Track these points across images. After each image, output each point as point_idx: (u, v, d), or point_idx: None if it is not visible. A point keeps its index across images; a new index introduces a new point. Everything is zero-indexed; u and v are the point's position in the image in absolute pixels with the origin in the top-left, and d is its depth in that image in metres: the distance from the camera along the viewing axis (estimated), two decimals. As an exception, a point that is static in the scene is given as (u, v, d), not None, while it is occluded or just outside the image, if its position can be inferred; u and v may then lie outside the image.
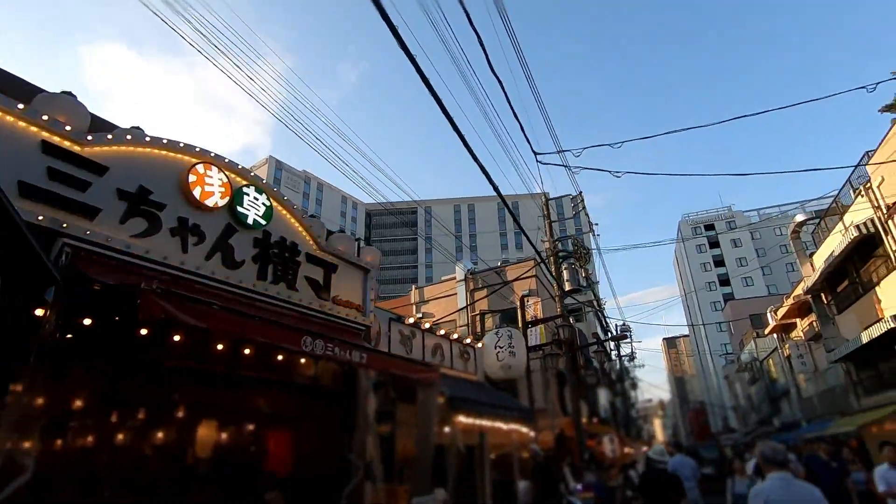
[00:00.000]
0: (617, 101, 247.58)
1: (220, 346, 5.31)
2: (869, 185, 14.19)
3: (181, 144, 5.15)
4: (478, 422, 10.07)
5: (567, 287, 18.10)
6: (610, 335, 19.55)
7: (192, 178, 5.14)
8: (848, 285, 17.13)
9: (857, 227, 14.16)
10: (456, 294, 20.71)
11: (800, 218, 19.52)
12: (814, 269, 19.29)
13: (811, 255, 19.94)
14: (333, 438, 6.43)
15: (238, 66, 7.07)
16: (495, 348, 12.43)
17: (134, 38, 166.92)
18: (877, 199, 13.91)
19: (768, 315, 26.92)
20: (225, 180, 5.48)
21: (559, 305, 17.55)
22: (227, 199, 5.46)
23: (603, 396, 28.68)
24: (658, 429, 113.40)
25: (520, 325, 14.35)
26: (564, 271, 18.62)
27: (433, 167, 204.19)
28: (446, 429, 8.44)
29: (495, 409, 9.69)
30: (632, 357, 40.86)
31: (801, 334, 22.65)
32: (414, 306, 21.57)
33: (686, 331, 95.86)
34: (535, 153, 9.94)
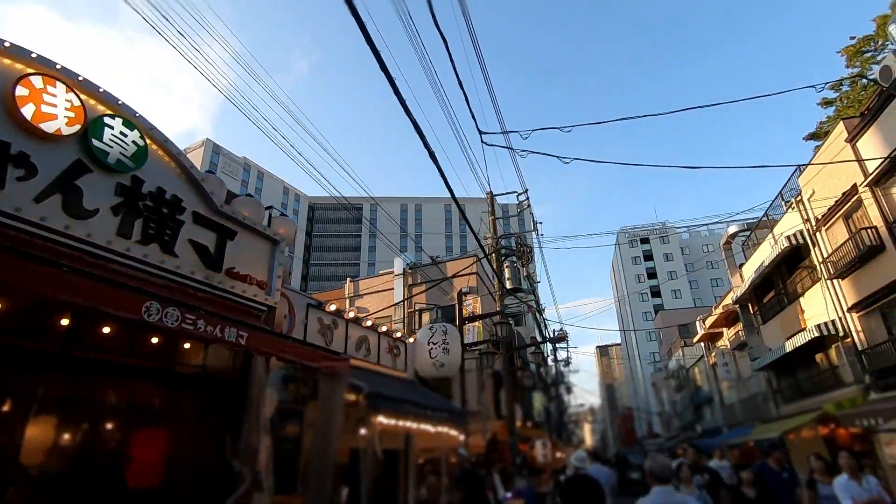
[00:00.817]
0: (568, 97, 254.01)
1: (63, 321, 4.04)
2: (800, 198, 14.58)
3: (7, 45, 3.84)
4: (402, 423, 9.11)
5: (508, 285, 17.56)
6: (548, 337, 19.24)
7: (21, 91, 3.85)
8: (774, 296, 17.68)
9: (788, 237, 14.51)
10: (393, 289, 19.66)
11: (732, 229, 20.11)
12: (742, 280, 19.90)
13: (741, 266, 20.58)
14: (217, 441, 5.25)
15: (182, 37, 5.80)
16: (429, 345, 11.52)
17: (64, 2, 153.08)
18: (806, 212, 14.30)
19: (697, 324, 27.83)
20: (77, 104, 4.21)
21: (499, 304, 16.96)
22: (77, 128, 4.19)
23: (538, 400, 28.52)
24: (588, 434, 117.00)
25: (457, 321, 13.53)
26: (506, 269, 18.06)
27: (382, 166, 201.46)
28: (363, 430, 7.41)
29: (422, 410, 8.75)
30: (567, 362, 41.39)
31: (727, 343, 23.42)
32: (348, 300, 20.29)
33: (618, 339, 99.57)
34: (481, 132, 9.13)
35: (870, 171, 11.13)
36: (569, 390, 38.34)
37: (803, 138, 26.81)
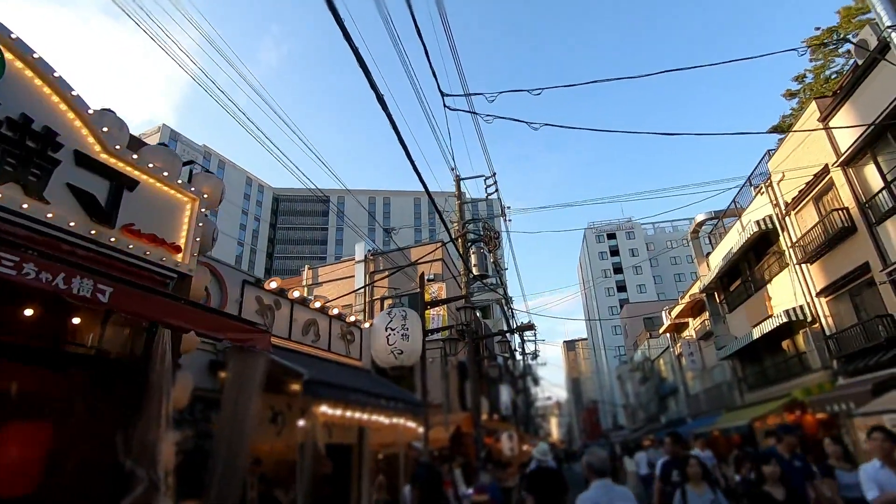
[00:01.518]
0: (538, 63, 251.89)
1: None
2: (769, 182, 14.37)
3: None
4: (351, 414, 8.22)
5: (475, 272, 16.85)
6: (515, 327, 18.59)
7: None
8: (740, 284, 17.57)
9: (757, 222, 14.28)
10: (354, 276, 18.64)
11: (700, 217, 19.98)
12: (709, 269, 19.79)
13: (708, 255, 20.48)
14: (111, 437, 4.24)
15: (146, 14, 4.67)
16: (386, 330, 10.60)
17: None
18: (776, 197, 14.09)
19: (663, 315, 27.87)
20: None
21: (464, 290, 16.22)
22: None
23: (505, 393, 28.02)
24: (554, 427, 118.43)
25: (419, 307, 12.64)
26: (472, 255, 17.35)
27: (351, 161, 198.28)
28: (300, 422, 6.50)
29: (372, 400, 7.87)
30: (535, 355, 41.17)
31: (693, 333, 23.42)
32: (306, 289, 19.14)
33: (585, 334, 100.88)
34: (443, 94, 8.28)
35: (842, 151, 10.87)
36: (536, 382, 38.09)
37: (767, 131, 27.26)
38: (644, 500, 16.30)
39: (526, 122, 7.95)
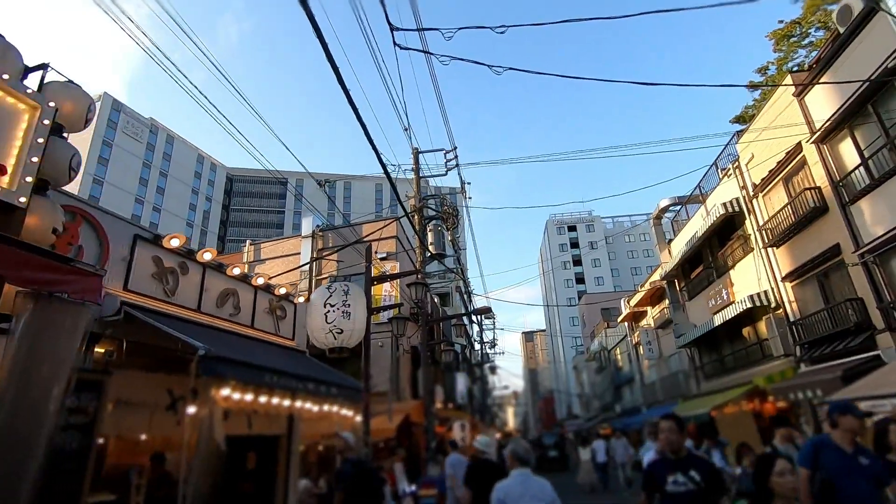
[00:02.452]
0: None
1: None
2: (737, 163, 13.88)
3: None
4: (275, 401, 6.97)
5: (431, 251, 15.74)
6: (472, 310, 17.52)
7: None
8: (702, 270, 17.21)
9: (724, 204, 13.78)
10: (300, 254, 17.16)
11: (664, 203, 19.57)
12: (671, 256, 19.44)
13: (670, 241, 20.13)
14: None
15: None
16: (325, 307, 9.32)
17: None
18: (743, 179, 13.62)
19: (621, 303, 27.68)
20: None
21: (419, 268, 15.11)
22: None
23: (461, 381, 27.18)
24: (511, 417, 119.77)
25: (365, 284, 11.38)
26: (429, 233, 16.23)
27: (313, 144, 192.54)
28: (191, 408, 5.20)
29: (300, 384, 6.62)
30: (493, 343, 40.64)
31: (652, 322, 23.19)
32: (247, 266, 17.50)
33: (544, 325, 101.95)
34: (392, 28, 7.02)
35: (817, 127, 10.33)
36: (493, 370, 37.55)
37: (730, 121, 27.34)
38: (600, 485, 15.91)
39: (487, 66, 6.83)
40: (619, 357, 31.97)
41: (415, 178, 16.05)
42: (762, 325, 13.50)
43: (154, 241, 6.22)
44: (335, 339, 9.30)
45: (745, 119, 25.03)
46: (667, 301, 20.89)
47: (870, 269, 9.25)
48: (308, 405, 7.87)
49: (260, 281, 7.95)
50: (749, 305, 12.74)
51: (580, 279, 78.23)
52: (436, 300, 20.15)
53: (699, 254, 17.26)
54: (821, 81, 10.10)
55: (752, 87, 20.73)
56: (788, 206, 11.43)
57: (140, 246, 6.01)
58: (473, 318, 44.13)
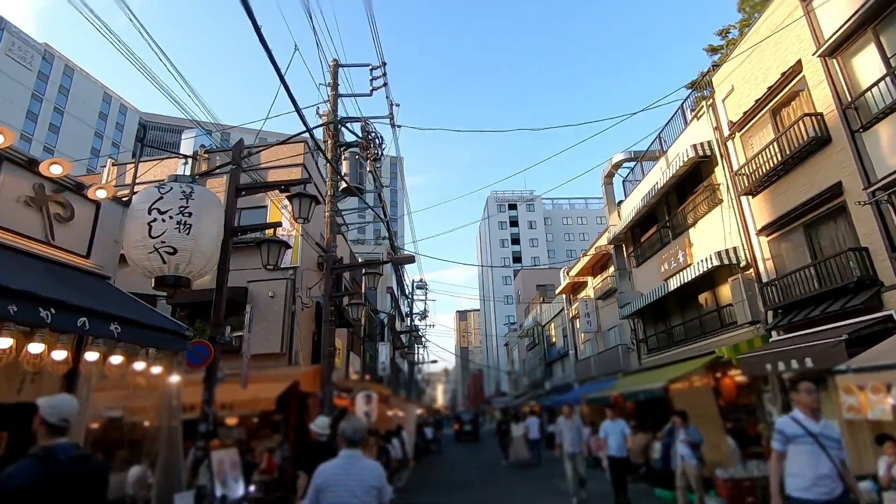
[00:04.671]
0: None
1: None
2: (712, 99, 11.86)
3: None
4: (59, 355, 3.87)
5: (345, 183, 12.75)
6: (394, 256, 14.49)
7: None
8: (655, 232, 15.38)
9: (694, 146, 11.74)
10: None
11: (618, 157, 17.59)
12: (620, 218, 17.58)
13: (620, 203, 18.26)
14: None
15: None
16: (150, 213, 6.09)
17: None
18: (717, 118, 11.62)
19: (561, 274, 25.98)
20: None
21: (328, 207, 12.10)
22: None
23: (383, 350, 24.45)
24: (440, 394, 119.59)
25: (226, 193, 8.12)
26: (344, 162, 13.15)
27: (242, 101, 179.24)
28: None
29: (72, 319, 3.55)
30: (424, 315, 38.22)
31: (592, 293, 21.50)
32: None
33: (478, 304, 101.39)
34: None
35: (825, 38, 8.27)
36: (418, 339, 35.20)
37: (685, 86, 26.06)
38: (534, 462, 15.47)
39: None
40: (552, 332, 30.56)
41: (331, 94, 12.87)
42: (724, 290, 11.72)
43: None
44: (164, 262, 6.11)
45: (700, 86, 23.72)
46: (611, 269, 19.15)
47: (881, 211, 7.36)
48: (113, 359, 4.78)
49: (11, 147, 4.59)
50: (715, 264, 10.84)
51: (517, 258, 77.71)
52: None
53: (653, 214, 15.40)
54: None
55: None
56: (775, 143, 9.44)
57: None
58: (406, 286, 41.46)
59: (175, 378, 5.21)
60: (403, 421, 17.10)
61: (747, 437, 10.28)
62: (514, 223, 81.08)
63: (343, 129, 12.97)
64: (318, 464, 4.70)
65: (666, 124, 14.69)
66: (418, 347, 37.98)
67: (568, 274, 24.02)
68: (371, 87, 13.57)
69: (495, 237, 78.98)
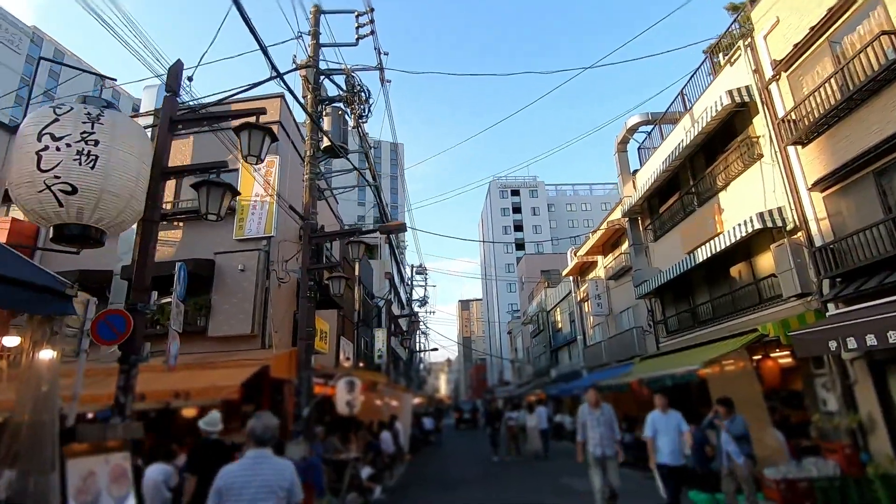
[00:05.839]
0: None
1: None
2: (750, 38, 10.18)
3: None
4: None
5: (326, 142, 11.26)
6: (381, 225, 12.82)
7: None
8: (676, 201, 13.77)
9: (729, 93, 10.09)
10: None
11: (633, 120, 15.90)
12: (635, 189, 15.96)
13: (635, 172, 16.62)
14: None
15: None
16: (39, 141, 4.56)
17: None
18: (757, 60, 9.96)
19: (568, 255, 24.39)
20: None
21: (307, 169, 10.60)
22: None
23: (380, 336, 23.01)
24: (443, 384, 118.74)
25: (161, 120, 6.53)
26: (326, 119, 11.59)
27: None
28: None
29: None
30: (424, 301, 36.76)
31: (602, 273, 19.94)
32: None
33: (480, 294, 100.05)
34: None
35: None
36: (416, 323, 33.77)
37: (703, 51, 24.26)
38: (542, 452, 14.04)
39: None
40: (558, 318, 29.05)
41: (311, 44, 11.27)
42: (764, 260, 10.15)
43: None
44: (60, 205, 4.60)
45: (720, 48, 21.93)
46: (625, 246, 17.56)
47: None
48: None
49: None
50: (756, 227, 9.25)
51: (520, 245, 76.10)
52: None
53: (674, 181, 13.79)
54: None
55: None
56: (836, 77, 7.81)
57: None
58: (404, 272, 39.94)
59: (48, 354, 3.70)
60: (398, 411, 15.66)
61: (793, 429, 8.78)
62: (516, 209, 79.31)
63: (325, 84, 11.40)
64: (206, 465, 4.21)
65: (693, 75, 13.00)
66: (418, 334, 36.58)
67: (576, 254, 22.44)
68: (357, 36, 11.97)
69: (498, 224, 77.33)
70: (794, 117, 8.83)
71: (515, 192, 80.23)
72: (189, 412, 8.64)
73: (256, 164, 5.90)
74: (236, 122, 5.90)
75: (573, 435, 19.97)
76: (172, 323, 5.06)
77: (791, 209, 9.09)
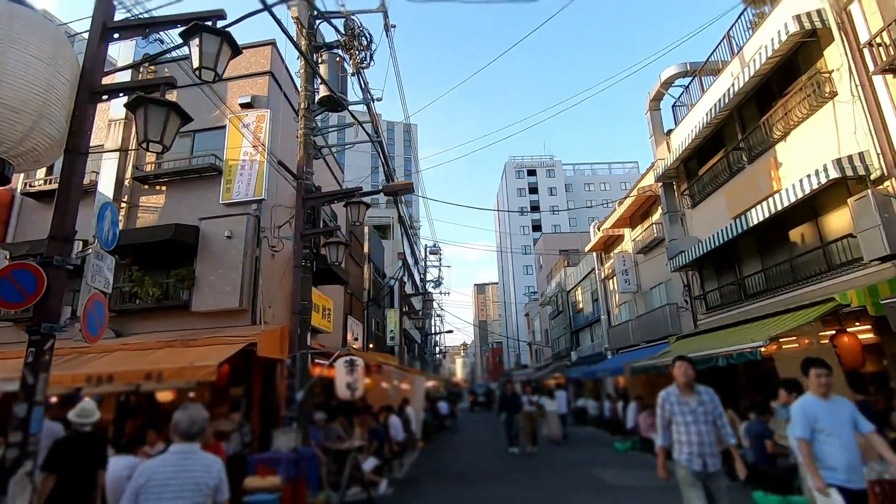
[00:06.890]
0: None
1: None
2: (823, -47, 8.48)
3: None
4: None
5: (323, 91, 9.96)
6: (388, 186, 11.41)
7: None
8: (721, 159, 12.16)
9: (797, 18, 8.44)
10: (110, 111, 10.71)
11: (669, 72, 14.20)
12: (670, 151, 14.34)
13: (669, 132, 14.98)
14: None
15: None
16: None
17: None
18: (830, -23, 8.28)
19: (591, 230, 22.84)
20: None
21: (302, 122, 9.34)
22: None
23: (393, 316, 21.90)
24: (459, 367, 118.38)
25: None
26: (322, 66, 10.27)
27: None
28: None
29: None
30: (438, 282, 35.59)
31: (630, 248, 18.40)
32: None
33: (496, 278, 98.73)
34: None
35: None
36: (430, 303, 32.65)
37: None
38: (560, 438, 14.07)
39: None
40: (579, 298, 27.59)
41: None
42: (837, 218, 8.60)
43: None
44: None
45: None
46: (657, 216, 15.99)
47: None
48: None
49: None
50: (833, 177, 7.69)
51: (537, 226, 74.34)
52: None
53: (717, 137, 12.17)
54: None
55: None
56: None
57: None
58: (418, 253, 38.71)
59: None
60: (409, 394, 14.53)
61: (875, 417, 7.33)
62: (533, 190, 77.36)
63: (321, 30, 10.02)
64: (68, 462, 4.19)
65: (739, 16, 11.27)
66: (433, 316, 35.48)
67: (600, 228, 20.88)
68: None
69: (514, 205, 75.51)
70: (883, 40, 7.20)
71: (532, 173, 78.29)
72: (165, 396, 7.53)
73: (214, 80, 4.59)
74: (184, 29, 4.55)
75: (597, 420, 18.96)
76: (90, 278, 3.84)
77: (877, 154, 7.51)
